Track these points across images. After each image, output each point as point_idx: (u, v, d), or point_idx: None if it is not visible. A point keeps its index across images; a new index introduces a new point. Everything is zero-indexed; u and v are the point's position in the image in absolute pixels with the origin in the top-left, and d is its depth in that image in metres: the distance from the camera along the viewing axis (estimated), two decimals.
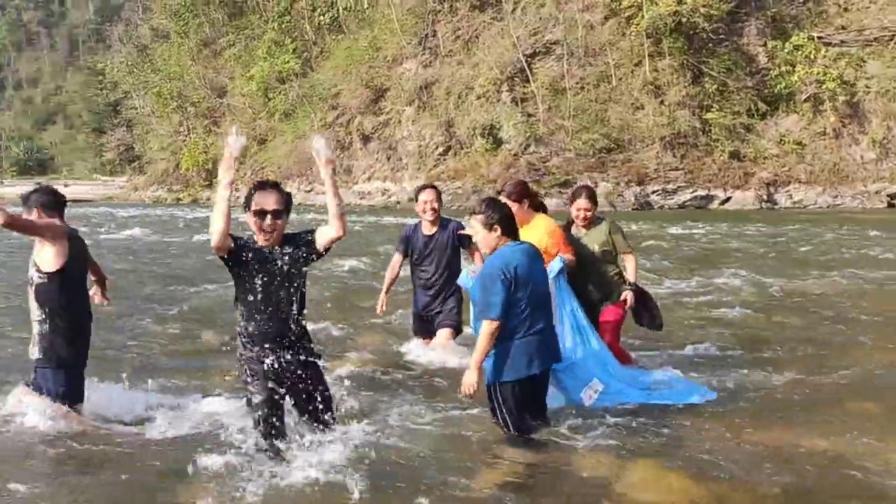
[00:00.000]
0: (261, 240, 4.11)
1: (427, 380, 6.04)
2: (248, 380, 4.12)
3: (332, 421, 4.31)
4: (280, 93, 52.25)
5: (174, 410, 5.10)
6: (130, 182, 68.93)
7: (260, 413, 4.07)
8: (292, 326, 4.14)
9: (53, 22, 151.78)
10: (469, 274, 5.13)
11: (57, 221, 4.77)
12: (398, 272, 6.72)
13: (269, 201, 4.05)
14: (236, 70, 57.96)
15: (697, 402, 5.24)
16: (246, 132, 54.04)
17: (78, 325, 4.80)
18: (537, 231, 5.52)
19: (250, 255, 4.05)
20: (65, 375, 4.73)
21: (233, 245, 4.00)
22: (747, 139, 35.82)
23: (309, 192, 46.82)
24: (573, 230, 6.01)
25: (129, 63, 72.39)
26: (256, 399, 4.08)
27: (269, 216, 4.04)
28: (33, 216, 4.73)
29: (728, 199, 34.39)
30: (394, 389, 5.70)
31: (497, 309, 4.25)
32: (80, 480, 4.11)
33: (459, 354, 6.15)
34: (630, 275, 5.94)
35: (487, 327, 4.28)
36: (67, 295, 4.71)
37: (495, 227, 4.43)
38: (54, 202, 4.83)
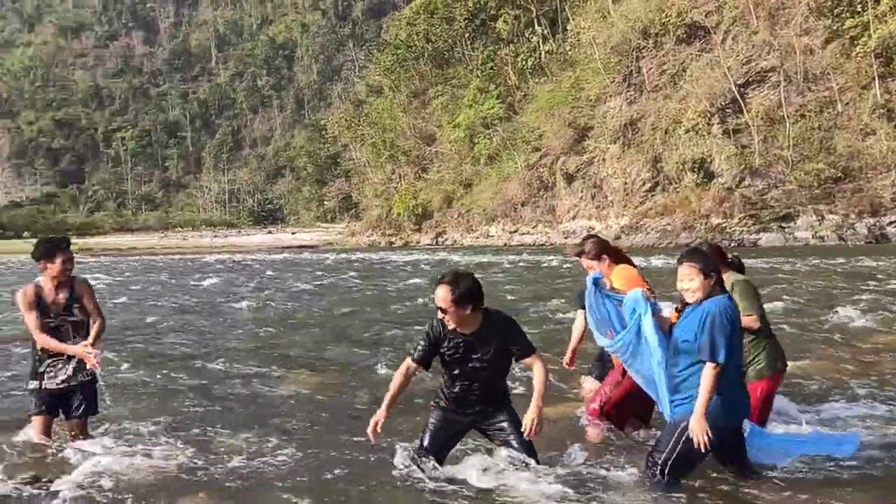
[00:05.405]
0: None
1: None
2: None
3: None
4: (485, 137, 53.83)
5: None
6: (348, 228, 73.83)
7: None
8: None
9: (283, 85, 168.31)
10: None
11: None
12: (583, 327, 6.31)
13: (439, 297, 4.26)
14: (444, 118, 60.65)
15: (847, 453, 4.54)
16: (452, 177, 56.36)
17: None
18: (619, 282, 5.24)
19: (446, 341, 4.42)
20: None
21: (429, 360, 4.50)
22: None
23: (513, 232, 47.56)
24: None
25: (347, 118, 78.47)
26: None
27: (439, 312, 4.33)
28: None
29: None
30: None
31: (722, 352, 3.99)
32: None
33: None
34: None
35: (712, 371, 3.99)
36: None
37: (710, 274, 4.18)
38: None
